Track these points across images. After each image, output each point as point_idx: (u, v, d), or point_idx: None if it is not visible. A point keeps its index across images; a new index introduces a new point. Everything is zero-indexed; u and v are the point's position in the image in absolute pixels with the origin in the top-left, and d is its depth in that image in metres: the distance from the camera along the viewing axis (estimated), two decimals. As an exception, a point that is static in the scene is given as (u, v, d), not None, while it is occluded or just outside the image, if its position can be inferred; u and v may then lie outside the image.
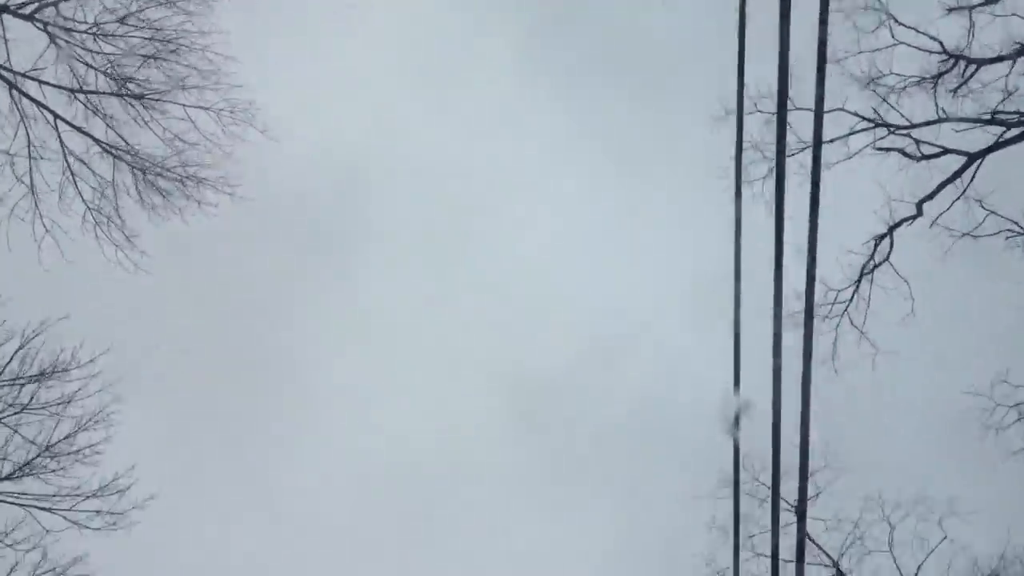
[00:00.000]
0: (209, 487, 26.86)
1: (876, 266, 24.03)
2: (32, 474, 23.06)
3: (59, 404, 22.65)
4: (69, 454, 23.11)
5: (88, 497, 22.98)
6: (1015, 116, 23.24)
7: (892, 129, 23.74)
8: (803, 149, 20.40)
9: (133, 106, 23.43)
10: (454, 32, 28.15)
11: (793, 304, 9.40)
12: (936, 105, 23.48)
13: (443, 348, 28.54)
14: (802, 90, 11.16)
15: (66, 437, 23.07)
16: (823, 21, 7.74)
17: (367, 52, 27.67)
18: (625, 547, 26.39)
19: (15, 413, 22.47)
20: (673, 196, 25.91)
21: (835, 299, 23.72)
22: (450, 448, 27.78)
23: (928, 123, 23.74)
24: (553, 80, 28.21)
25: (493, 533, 27.48)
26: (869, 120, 23.69)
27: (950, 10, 22.84)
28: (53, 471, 23.11)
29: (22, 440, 22.59)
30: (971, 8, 22.75)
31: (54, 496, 22.91)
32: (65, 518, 23.07)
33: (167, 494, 24.63)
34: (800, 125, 19.53)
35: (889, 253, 24.07)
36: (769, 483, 10.75)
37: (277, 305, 28.22)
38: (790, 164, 10.30)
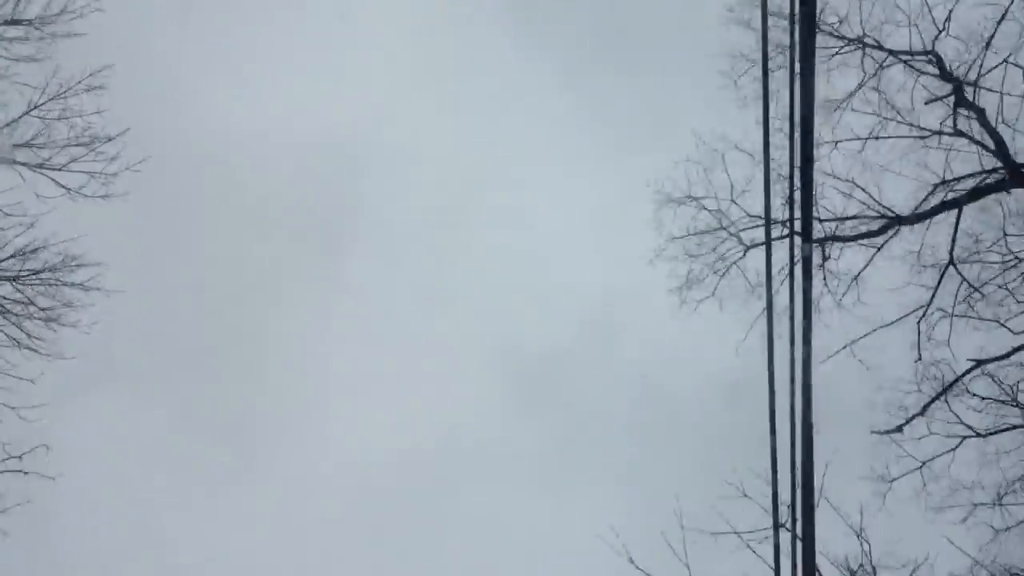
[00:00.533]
0: (205, 481, 27.18)
1: None
2: (22, 144, 22.70)
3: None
4: (59, 119, 22.89)
5: (80, 154, 22.83)
6: None
7: None
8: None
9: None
10: (449, 16, 28.02)
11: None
12: None
13: (441, 332, 28.93)
14: None
15: (54, 98, 22.75)
16: None
17: (362, 37, 27.83)
18: (629, 524, 26.24)
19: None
20: (670, 172, 25.70)
21: None
22: (451, 432, 28.28)
23: None
24: (549, 60, 27.96)
25: (497, 515, 27.94)
26: None
27: None
28: (44, 145, 22.85)
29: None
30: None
31: (44, 149, 22.70)
32: (56, 182, 22.98)
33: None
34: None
35: None
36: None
37: (273, 293, 28.09)
38: None
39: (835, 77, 22.08)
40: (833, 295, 21.87)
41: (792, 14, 10.59)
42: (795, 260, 11.39)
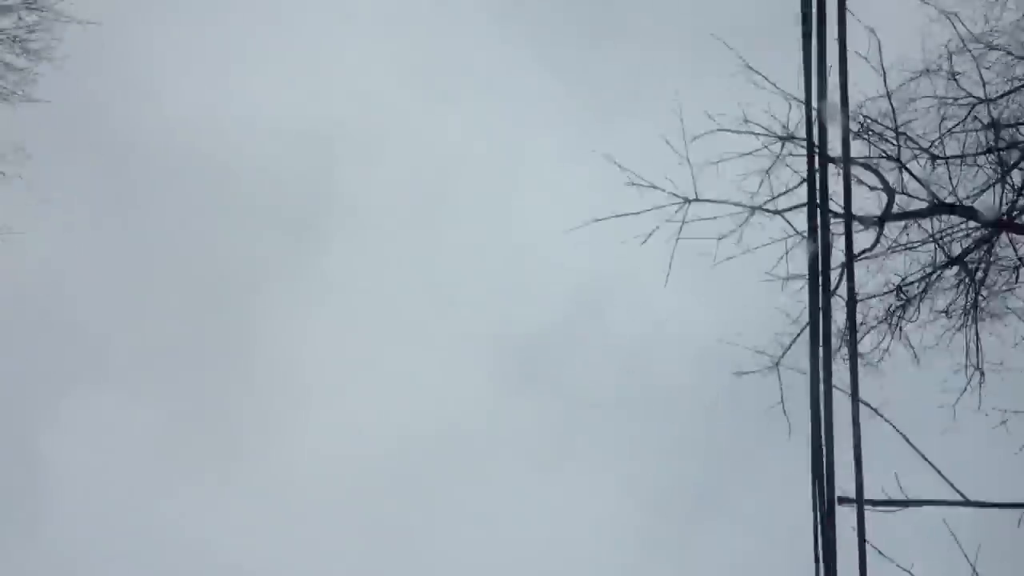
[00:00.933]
0: (191, 478, 25.82)
1: None
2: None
3: None
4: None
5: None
6: None
7: None
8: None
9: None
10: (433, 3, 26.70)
11: None
12: None
13: (427, 321, 27.32)
14: None
15: None
16: None
17: (341, 23, 26.27)
18: (626, 503, 25.82)
19: None
20: (652, 148, 25.51)
21: None
22: (441, 421, 26.79)
23: None
24: (532, 39, 27.45)
25: (491, 502, 26.58)
26: None
27: None
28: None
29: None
30: None
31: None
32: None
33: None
34: None
35: None
36: None
37: (256, 284, 27.16)
38: None
39: None
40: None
41: None
42: None
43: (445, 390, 26.98)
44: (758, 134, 18.72)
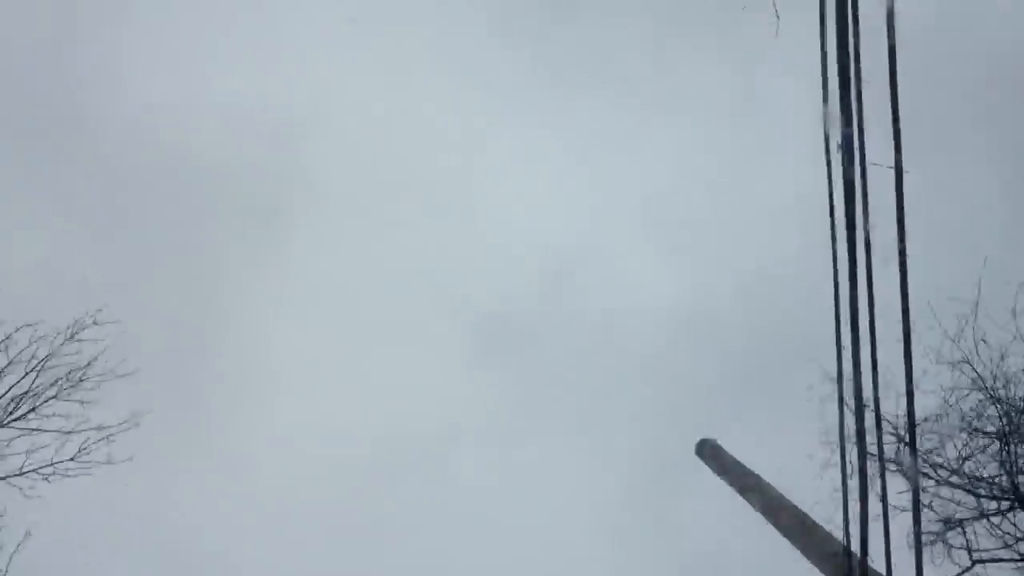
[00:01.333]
0: (165, 468, 25.87)
1: None
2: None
3: None
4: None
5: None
6: None
7: None
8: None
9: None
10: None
11: None
12: None
13: (398, 306, 28.21)
14: None
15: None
16: None
17: (305, 7, 27.15)
18: (607, 475, 26.27)
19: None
20: (622, 121, 25.87)
21: None
22: (420, 403, 27.41)
23: None
24: (486, 16, 27.93)
25: (476, 482, 27.04)
26: None
27: None
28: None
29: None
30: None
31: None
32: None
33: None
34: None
35: None
36: None
37: (222, 271, 27.52)
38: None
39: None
40: None
41: None
42: None
43: (420, 374, 27.30)
44: None
